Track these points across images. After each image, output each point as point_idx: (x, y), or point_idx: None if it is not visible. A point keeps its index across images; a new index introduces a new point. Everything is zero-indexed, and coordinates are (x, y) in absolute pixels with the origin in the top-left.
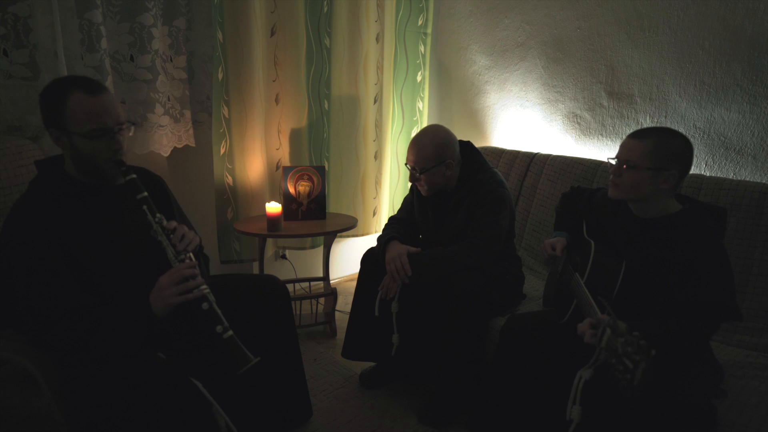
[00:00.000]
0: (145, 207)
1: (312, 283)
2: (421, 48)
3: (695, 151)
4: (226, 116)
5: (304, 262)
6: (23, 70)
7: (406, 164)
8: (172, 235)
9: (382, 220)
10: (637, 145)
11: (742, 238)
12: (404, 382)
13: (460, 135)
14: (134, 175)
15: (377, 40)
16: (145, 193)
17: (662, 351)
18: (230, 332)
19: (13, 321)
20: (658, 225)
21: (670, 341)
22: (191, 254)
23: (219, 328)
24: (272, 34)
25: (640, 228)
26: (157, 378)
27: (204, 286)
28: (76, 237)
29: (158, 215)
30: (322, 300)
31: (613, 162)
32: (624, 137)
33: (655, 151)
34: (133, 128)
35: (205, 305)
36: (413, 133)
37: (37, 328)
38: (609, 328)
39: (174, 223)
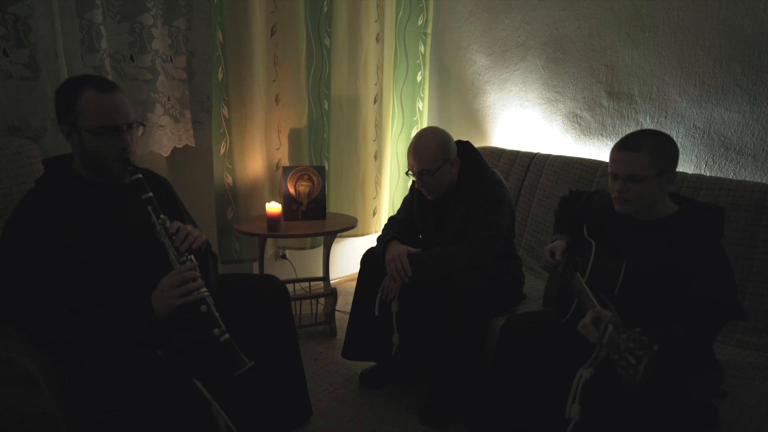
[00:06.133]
0: (149, 207)
1: (312, 283)
2: (421, 48)
3: (695, 151)
4: (226, 116)
5: (304, 262)
6: (23, 70)
7: (407, 173)
8: (174, 237)
9: (382, 220)
10: (636, 157)
11: (742, 238)
12: (404, 382)
13: (460, 135)
14: (140, 175)
15: (377, 40)
16: (150, 194)
17: (670, 355)
18: (227, 335)
19: (13, 318)
20: (656, 226)
21: (677, 346)
22: (192, 256)
23: (216, 331)
24: (272, 34)
25: (639, 230)
26: (157, 377)
27: (203, 289)
28: (79, 235)
29: (162, 216)
30: (322, 300)
31: (614, 179)
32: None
33: (656, 158)
34: (142, 129)
35: (203, 308)
36: (413, 133)
37: (37, 326)
38: (611, 325)
39: (177, 224)
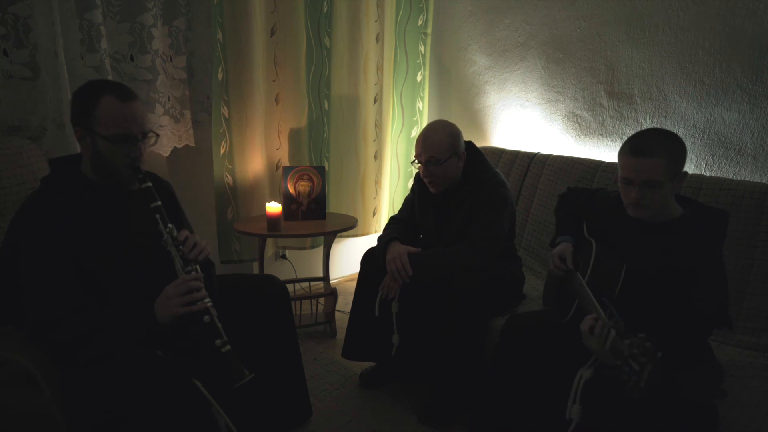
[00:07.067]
0: (157, 216)
1: (312, 283)
2: (421, 48)
3: (695, 151)
4: (226, 116)
5: (304, 262)
6: (23, 70)
7: (412, 162)
8: (181, 246)
9: (382, 220)
10: (653, 163)
11: (742, 239)
12: (404, 382)
13: None
14: (150, 183)
15: (377, 40)
16: (159, 202)
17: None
18: (228, 347)
19: (14, 317)
20: (660, 230)
21: (670, 345)
22: (197, 266)
23: (218, 342)
24: (272, 34)
25: (642, 232)
26: (158, 377)
27: (207, 300)
28: (82, 238)
29: (170, 225)
30: (322, 300)
31: (629, 185)
32: (624, 138)
33: (671, 161)
34: (155, 138)
35: (206, 318)
36: (413, 133)
37: (37, 327)
38: (614, 330)
39: (185, 233)
